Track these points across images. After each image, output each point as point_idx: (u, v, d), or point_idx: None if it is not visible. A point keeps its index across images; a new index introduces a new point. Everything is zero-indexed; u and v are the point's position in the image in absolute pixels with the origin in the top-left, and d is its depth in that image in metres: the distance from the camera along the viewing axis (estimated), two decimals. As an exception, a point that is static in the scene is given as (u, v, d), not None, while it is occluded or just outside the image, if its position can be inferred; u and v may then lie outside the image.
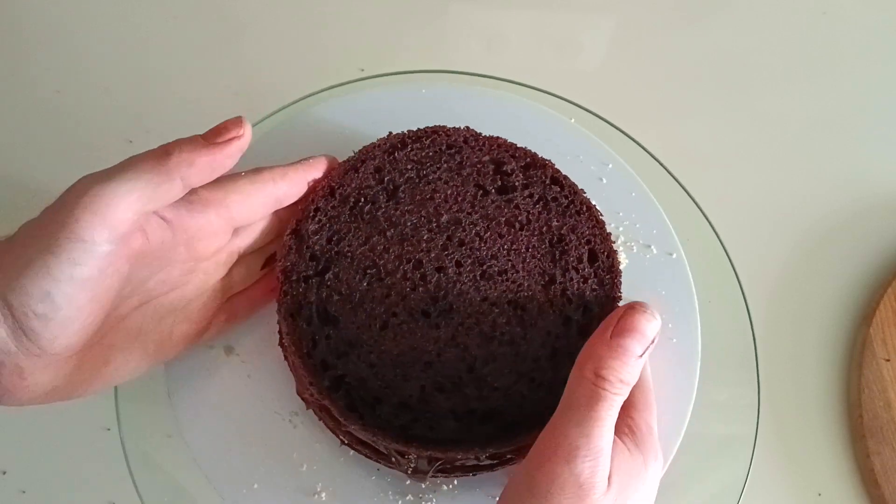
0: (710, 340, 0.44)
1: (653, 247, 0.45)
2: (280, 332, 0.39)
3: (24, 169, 0.56)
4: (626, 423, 0.36)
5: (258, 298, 0.41)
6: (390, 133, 0.42)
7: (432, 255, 0.39)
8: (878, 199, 0.59)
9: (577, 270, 0.39)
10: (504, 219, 0.40)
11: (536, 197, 0.41)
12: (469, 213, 0.40)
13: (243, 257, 0.40)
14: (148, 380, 0.45)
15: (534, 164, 0.41)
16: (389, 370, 0.37)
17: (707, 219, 0.49)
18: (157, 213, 0.34)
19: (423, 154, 0.41)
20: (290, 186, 0.38)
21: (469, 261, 0.39)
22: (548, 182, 0.41)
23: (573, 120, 0.48)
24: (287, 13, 0.63)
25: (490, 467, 0.39)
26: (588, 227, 0.40)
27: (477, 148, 0.42)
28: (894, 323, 0.53)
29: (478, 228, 0.40)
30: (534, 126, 0.46)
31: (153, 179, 0.32)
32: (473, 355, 0.37)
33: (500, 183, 0.41)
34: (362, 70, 0.59)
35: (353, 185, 0.40)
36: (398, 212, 0.40)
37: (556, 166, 0.42)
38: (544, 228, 0.40)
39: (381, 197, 0.40)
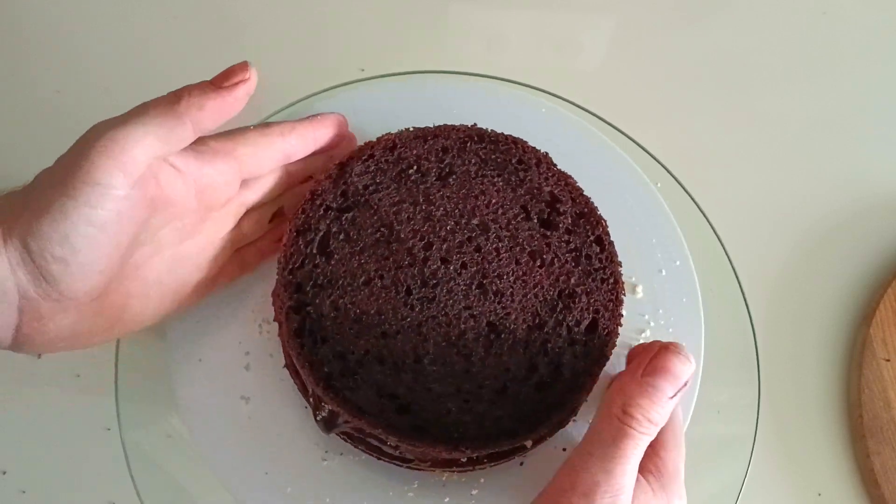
0: (711, 340, 0.44)
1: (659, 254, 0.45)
2: (284, 245, 0.40)
3: (24, 169, 0.56)
4: (654, 462, 0.35)
5: (267, 250, 0.42)
6: (474, 124, 0.43)
7: (445, 245, 0.39)
8: (878, 199, 0.59)
9: (569, 330, 0.39)
10: (530, 249, 0.40)
11: (573, 246, 0.40)
12: (501, 228, 0.40)
13: (253, 210, 0.41)
14: (148, 380, 0.45)
15: (587, 216, 0.41)
16: (348, 321, 0.38)
17: (707, 219, 0.49)
18: (169, 162, 0.34)
19: (492, 157, 0.42)
20: (298, 141, 0.39)
21: (474, 268, 0.39)
22: (591, 239, 0.41)
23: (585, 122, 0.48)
24: (287, 13, 0.63)
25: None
26: (605, 301, 0.40)
27: (545, 175, 0.42)
28: (894, 323, 0.53)
29: (501, 245, 0.40)
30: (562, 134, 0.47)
31: (165, 123, 0.33)
32: (427, 350, 0.38)
33: (546, 216, 0.41)
34: (362, 70, 0.59)
35: (414, 152, 0.41)
36: (439, 194, 0.41)
37: (607, 228, 0.41)
38: (562, 278, 0.40)
39: (433, 174, 0.41)
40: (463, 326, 0.38)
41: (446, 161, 0.41)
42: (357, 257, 0.39)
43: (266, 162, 0.39)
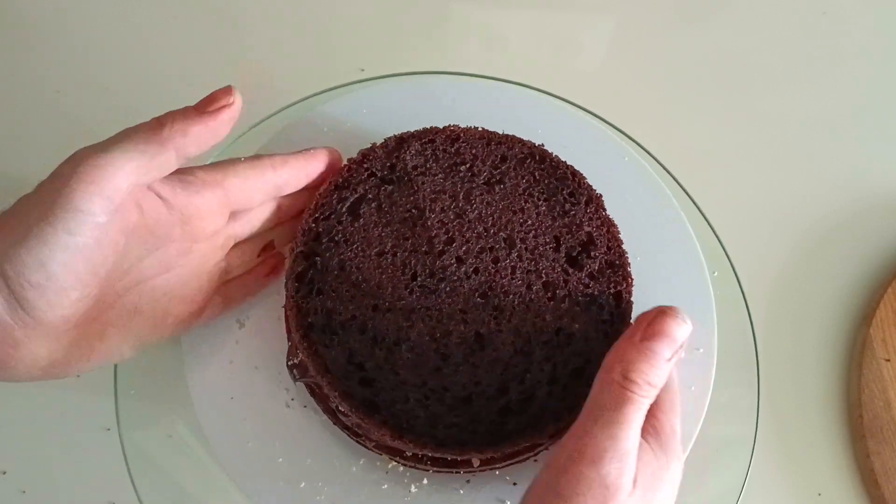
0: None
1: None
2: (319, 194, 0.40)
3: (24, 169, 0.56)
4: (652, 424, 0.35)
5: (253, 284, 0.42)
6: (541, 144, 0.42)
7: (465, 246, 0.40)
8: (878, 199, 0.59)
9: (554, 368, 0.38)
10: (546, 279, 0.40)
11: (590, 291, 0.40)
12: (526, 249, 0.40)
13: (241, 243, 0.40)
14: (148, 379, 0.45)
15: (617, 268, 0.40)
16: (347, 283, 0.39)
17: (707, 219, 0.49)
18: (153, 190, 0.34)
19: (546, 180, 0.42)
20: (290, 174, 0.39)
21: (484, 277, 0.39)
22: (611, 292, 0.40)
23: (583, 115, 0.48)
24: (287, 13, 0.63)
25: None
26: (600, 353, 0.37)
27: (590, 215, 0.41)
28: (894, 323, 0.53)
29: (519, 265, 0.40)
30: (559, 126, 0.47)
31: (148, 150, 0.32)
32: (408, 336, 0.38)
33: (575, 254, 0.40)
34: (363, 70, 0.59)
35: (473, 151, 0.42)
36: (480, 197, 0.41)
37: (632, 286, 0.40)
38: (567, 318, 0.39)
39: (482, 177, 0.41)
40: (451, 327, 0.38)
41: (500, 169, 0.42)
42: (380, 228, 0.40)
43: (256, 195, 0.38)
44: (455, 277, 0.39)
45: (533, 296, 0.39)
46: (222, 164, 0.37)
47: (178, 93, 0.60)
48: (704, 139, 0.61)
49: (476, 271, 0.39)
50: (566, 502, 0.32)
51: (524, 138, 0.42)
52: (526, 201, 0.41)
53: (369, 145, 0.42)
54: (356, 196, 0.40)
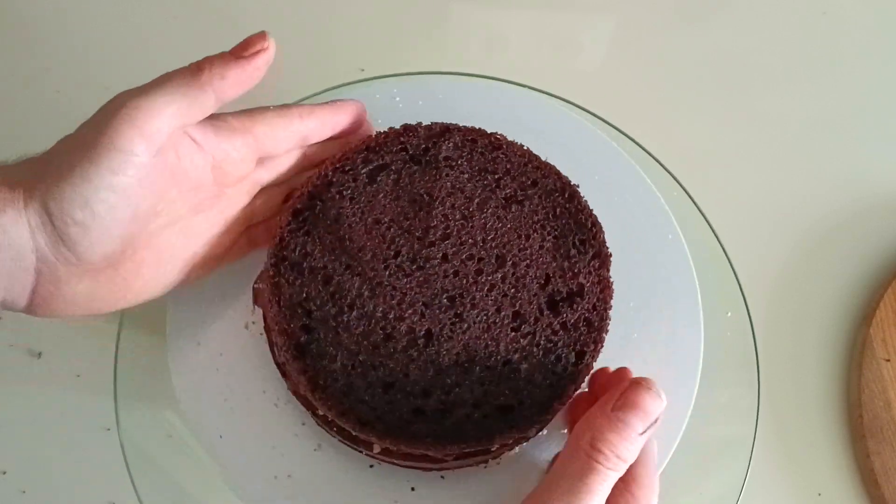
0: (710, 341, 0.44)
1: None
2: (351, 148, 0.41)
3: (24, 169, 0.56)
4: (625, 498, 0.34)
5: (277, 229, 0.42)
6: (577, 185, 0.42)
7: (455, 249, 0.40)
8: (878, 199, 0.59)
9: (485, 393, 0.37)
10: (518, 310, 0.39)
11: (555, 340, 0.39)
12: (511, 275, 0.39)
13: (266, 189, 0.41)
14: (148, 379, 0.45)
15: (593, 329, 0.39)
16: (335, 236, 0.39)
17: (706, 219, 0.49)
18: (189, 134, 0.35)
19: (563, 220, 0.41)
20: (316, 124, 0.40)
21: (461, 282, 0.39)
22: (575, 349, 0.39)
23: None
24: (287, 13, 0.63)
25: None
26: (536, 398, 0.38)
27: (591, 270, 0.40)
28: (894, 323, 0.53)
29: (499, 286, 0.39)
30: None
31: (188, 93, 0.33)
32: (362, 304, 0.38)
33: (558, 298, 0.39)
34: (362, 70, 0.59)
35: (508, 166, 0.42)
36: (492, 211, 0.41)
37: (599, 349, 0.39)
38: (520, 352, 0.38)
39: (504, 193, 0.41)
40: (407, 315, 0.38)
41: (526, 192, 0.41)
42: (388, 200, 0.40)
43: (283, 142, 0.39)
44: (433, 271, 0.39)
45: (498, 320, 0.38)
46: (252, 111, 0.38)
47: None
48: (704, 139, 0.61)
49: (455, 274, 0.39)
50: None
51: (563, 173, 0.42)
52: (535, 231, 0.40)
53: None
54: (381, 163, 0.41)
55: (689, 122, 0.61)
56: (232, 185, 0.38)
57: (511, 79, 0.51)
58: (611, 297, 0.40)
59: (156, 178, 0.33)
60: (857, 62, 0.65)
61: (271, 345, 0.40)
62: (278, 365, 0.40)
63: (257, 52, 0.35)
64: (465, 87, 0.49)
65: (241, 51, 0.35)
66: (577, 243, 0.40)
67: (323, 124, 0.40)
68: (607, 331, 0.39)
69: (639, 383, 0.34)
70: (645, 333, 0.43)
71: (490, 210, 0.41)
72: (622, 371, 0.38)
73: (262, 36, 0.36)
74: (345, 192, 0.40)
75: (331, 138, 0.41)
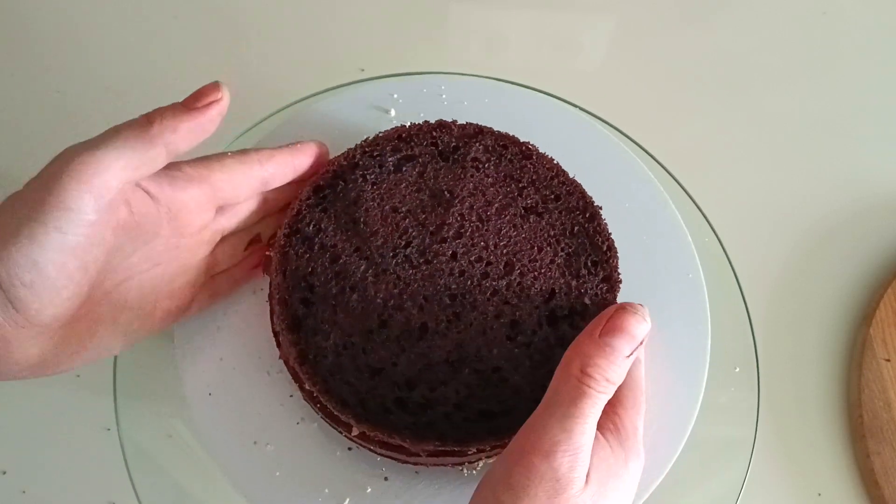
0: (711, 341, 0.44)
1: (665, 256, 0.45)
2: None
3: (25, 169, 0.56)
4: (612, 420, 0.36)
5: (241, 277, 0.42)
6: (599, 207, 0.42)
7: (465, 249, 0.40)
8: (878, 199, 0.59)
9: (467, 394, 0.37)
10: (513, 320, 0.38)
11: (538, 357, 0.38)
12: (517, 285, 0.39)
13: (228, 237, 0.40)
14: (147, 379, 0.45)
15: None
16: (347, 218, 0.40)
17: (707, 219, 0.49)
18: (141, 187, 0.34)
19: (584, 248, 0.40)
20: (277, 168, 0.39)
21: (462, 283, 0.39)
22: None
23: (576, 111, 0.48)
24: (287, 13, 0.63)
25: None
26: (515, 413, 0.37)
27: (594, 296, 0.40)
28: (894, 323, 0.53)
29: (500, 292, 0.39)
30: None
31: (138, 147, 0.32)
32: (364, 289, 0.38)
33: (556, 316, 0.39)
34: (362, 70, 0.59)
35: (533, 177, 0.42)
36: (508, 218, 0.41)
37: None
38: (509, 367, 0.38)
39: (526, 204, 0.41)
40: (406, 306, 0.38)
41: (548, 206, 0.41)
42: (409, 190, 0.41)
43: (243, 189, 0.38)
44: (440, 267, 0.39)
45: (496, 325, 0.38)
46: (209, 158, 0.37)
47: (178, 93, 0.60)
48: (704, 139, 0.61)
49: (461, 273, 0.39)
50: (517, 493, 0.32)
51: (589, 194, 0.41)
52: (549, 245, 0.40)
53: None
54: (409, 153, 0.41)
55: (689, 122, 0.61)
56: (191, 235, 0.37)
57: (511, 79, 0.51)
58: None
59: (107, 235, 0.33)
60: (857, 62, 0.65)
61: (272, 313, 0.40)
62: (274, 334, 0.40)
63: (210, 104, 0.34)
64: (510, 94, 0.49)
65: (194, 102, 0.34)
66: (590, 264, 0.40)
67: (284, 168, 0.39)
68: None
69: (624, 308, 0.35)
70: (651, 340, 0.43)
71: (508, 217, 0.40)
72: (612, 305, 0.38)
73: (215, 87, 0.34)
74: (368, 177, 0.41)
75: (291, 181, 0.40)
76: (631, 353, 0.35)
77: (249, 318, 0.42)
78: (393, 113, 0.47)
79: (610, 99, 0.53)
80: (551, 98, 0.50)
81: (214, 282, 0.40)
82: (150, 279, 0.37)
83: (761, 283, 0.56)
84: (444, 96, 0.47)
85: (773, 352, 0.53)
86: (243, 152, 0.38)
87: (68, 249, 0.31)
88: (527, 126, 0.44)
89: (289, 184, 0.40)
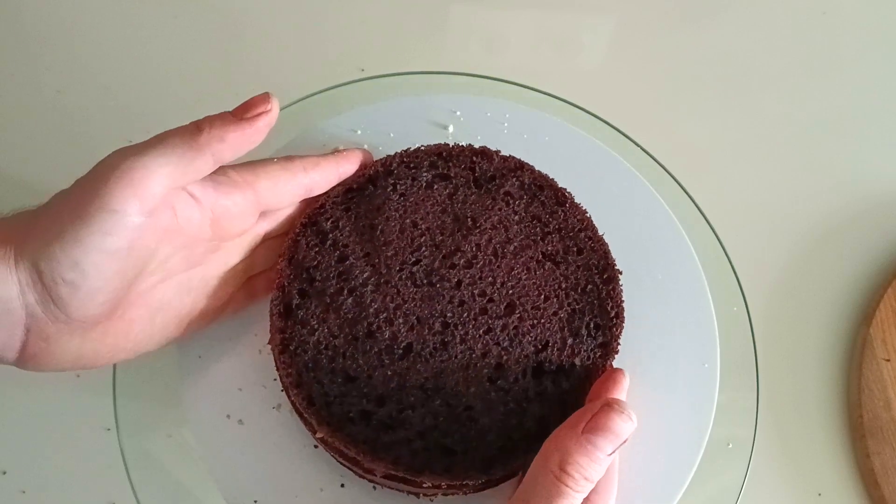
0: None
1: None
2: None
3: (24, 169, 0.56)
4: None
5: (277, 279, 0.41)
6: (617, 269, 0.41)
7: (471, 280, 0.39)
8: (878, 199, 0.59)
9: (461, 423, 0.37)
10: (500, 363, 0.38)
11: (513, 405, 0.38)
12: (513, 327, 0.38)
13: (267, 240, 0.41)
14: (147, 379, 0.45)
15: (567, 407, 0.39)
16: (362, 222, 0.40)
17: (706, 219, 0.49)
18: (186, 191, 0.34)
19: (594, 302, 0.39)
20: (321, 176, 0.39)
21: (459, 315, 0.39)
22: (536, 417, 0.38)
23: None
24: (287, 13, 0.63)
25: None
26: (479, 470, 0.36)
27: (593, 349, 0.39)
28: (894, 323, 0.53)
29: (494, 332, 0.38)
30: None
31: (186, 154, 0.33)
32: (362, 295, 0.38)
33: (545, 368, 0.38)
34: (362, 70, 0.59)
35: (552, 213, 0.41)
36: (518, 249, 0.40)
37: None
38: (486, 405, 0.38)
39: (540, 246, 0.40)
40: (396, 320, 0.38)
41: (567, 258, 0.40)
42: (435, 209, 0.40)
43: (286, 196, 0.38)
44: (441, 292, 0.39)
45: (480, 363, 0.38)
46: (254, 164, 0.37)
47: (178, 93, 0.60)
48: (704, 139, 0.61)
49: (461, 303, 0.39)
50: None
51: (611, 256, 0.40)
52: (557, 297, 0.39)
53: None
54: (444, 173, 0.41)
55: (689, 122, 0.61)
56: (231, 239, 0.38)
57: (511, 79, 0.51)
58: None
59: (149, 238, 0.33)
60: (857, 62, 0.65)
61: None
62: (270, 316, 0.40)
63: (259, 115, 0.34)
64: (574, 138, 0.47)
65: (244, 112, 0.34)
66: (592, 326, 0.39)
67: (328, 175, 0.40)
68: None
69: (611, 406, 0.34)
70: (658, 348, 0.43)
71: (524, 258, 0.40)
72: (615, 374, 0.37)
73: (265, 98, 0.35)
74: (399, 187, 0.41)
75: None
76: (612, 452, 0.34)
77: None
78: (451, 129, 0.46)
79: (610, 99, 0.53)
80: (553, 98, 0.50)
81: (252, 283, 0.41)
82: (188, 280, 0.37)
83: (761, 283, 0.56)
84: (505, 124, 0.46)
85: (772, 352, 0.53)
86: (288, 159, 0.38)
87: (111, 252, 0.31)
88: (575, 173, 0.43)
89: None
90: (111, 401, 0.44)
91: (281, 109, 0.48)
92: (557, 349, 0.38)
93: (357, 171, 0.41)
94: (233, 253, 0.39)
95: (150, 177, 0.31)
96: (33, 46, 0.60)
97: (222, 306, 0.39)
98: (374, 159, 0.42)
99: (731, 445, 0.45)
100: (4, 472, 0.49)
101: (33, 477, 0.49)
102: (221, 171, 0.36)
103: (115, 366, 0.45)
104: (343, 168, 0.40)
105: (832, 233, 0.58)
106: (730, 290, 0.48)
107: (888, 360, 0.53)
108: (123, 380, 0.45)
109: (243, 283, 0.40)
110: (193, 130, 0.33)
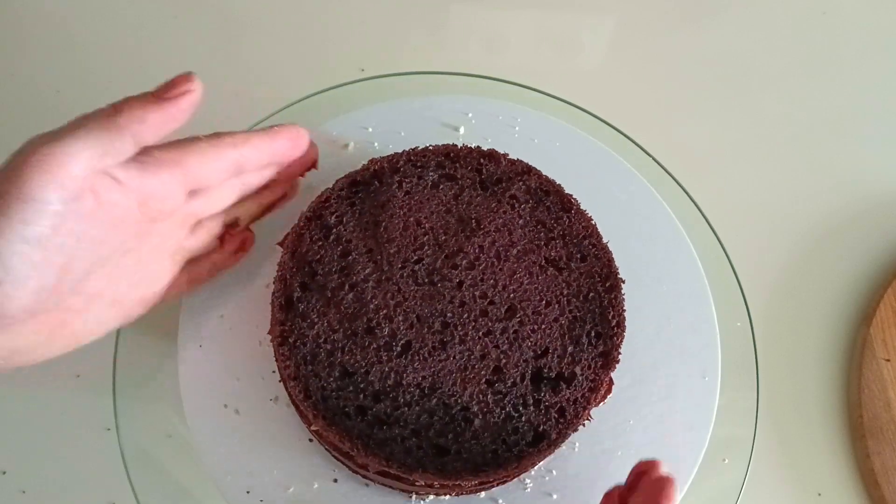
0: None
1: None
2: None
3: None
4: None
5: (221, 262, 0.41)
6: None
7: (472, 282, 0.39)
8: (878, 199, 0.59)
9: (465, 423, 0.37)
10: (498, 366, 0.38)
11: (506, 413, 0.38)
12: (514, 329, 0.39)
13: (204, 221, 0.39)
14: (147, 379, 0.45)
15: (568, 418, 0.39)
16: (368, 218, 0.40)
17: (706, 219, 0.49)
18: (108, 173, 0.33)
19: (594, 310, 0.39)
20: (252, 152, 0.38)
21: (459, 316, 0.39)
22: (535, 430, 0.38)
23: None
24: (287, 13, 0.63)
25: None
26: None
27: (591, 357, 0.39)
28: (894, 323, 0.53)
29: (494, 334, 0.38)
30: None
31: (104, 136, 0.32)
32: (362, 290, 0.38)
33: (544, 373, 0.38)
34: (362, 70, 0.59)
35: (559, 218, 0.41)
36: (519, 252, 0.40)
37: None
38: (482, 406, 0.38)
39: (544, 252, 0.40)
40: (396, 317, 0.38)
41: (570, 265, 0.40)
42: (439, 209, 0.41)
43: (217, 173, 0.37)
44: (442, 292, 0.39)
45: (478, 365, 0.38)
46: (181, 142, 0.36)
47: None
48: (704, 139, 0.61)
49: (461, 304, 0.39)
50: None
51: (615, 264, 0.40)
52: (559, 303, 0.39)
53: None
54: (451, 173, 0.41)
55: (689, 122, 0.61)
56: (162, 220, 0.36)
57: (511, 79, 0.51)
58: (596, 401, 0.38)
59: (73, 225, 0.32)
60: (857, 62, 0.65)
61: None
62: (272, 307, 0.40)
63: (182, 94, 0.33)
64: (583, 144, 0.48)
65: (164, 92, 0.33)
66: (593, 334, 0.39)
67: (259, 151, 0.38)
68: (576, 429, 0.38)
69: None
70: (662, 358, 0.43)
71: (527, 262, 0.40)
72: (667, 487, 0.36)
73: (187, 77, 0.34)
74: (405, 184, 0.41)
75: (271, 164, 0.39)
76: None
77: (256, 283, 0.43)
78: (462, 131, 0.46)
79: (610, 99, 0.53)
80: (552, 99, 0.50)
81: (193, 267, 0.40)
82: (122, 266, 0.36)
83: (761, 284, 0.56)
84: (517, 128, 0.47)
85: (772, 352, 0.53)
86: (217, 135, 0.37)
87: (33, 241, 0.30)
88: (583, 179, 0.43)
89: (268, 167, 0.39)
90: (111, 401, 0.44)
91: (281, 110, 0.49)
92: (557, 356, 0.38)
93: (292, 147, 0.39)
94: (166, 235, 0.37)
95: (67, 161, 0.30)
96: (32, 46, 0.60)
97: (161, 291, 0.38)
98: (306, 134, 0.40)
99: (730, 446, 0.45)
100: (4, 472, 0.49)
101: (33, 477, 0.49)
102: (146, 151, 0.34)
103: (115, 366, 0.45)
104: (276, 144, 0.38)
105: (832, 233, 0.58)
106: (730, 291, 0.48)
107: (888, 360, 0.53)
108: (123, 380, 0.45)
109: (185, 267, 0.39)
110: (111, 112, 0.32)
